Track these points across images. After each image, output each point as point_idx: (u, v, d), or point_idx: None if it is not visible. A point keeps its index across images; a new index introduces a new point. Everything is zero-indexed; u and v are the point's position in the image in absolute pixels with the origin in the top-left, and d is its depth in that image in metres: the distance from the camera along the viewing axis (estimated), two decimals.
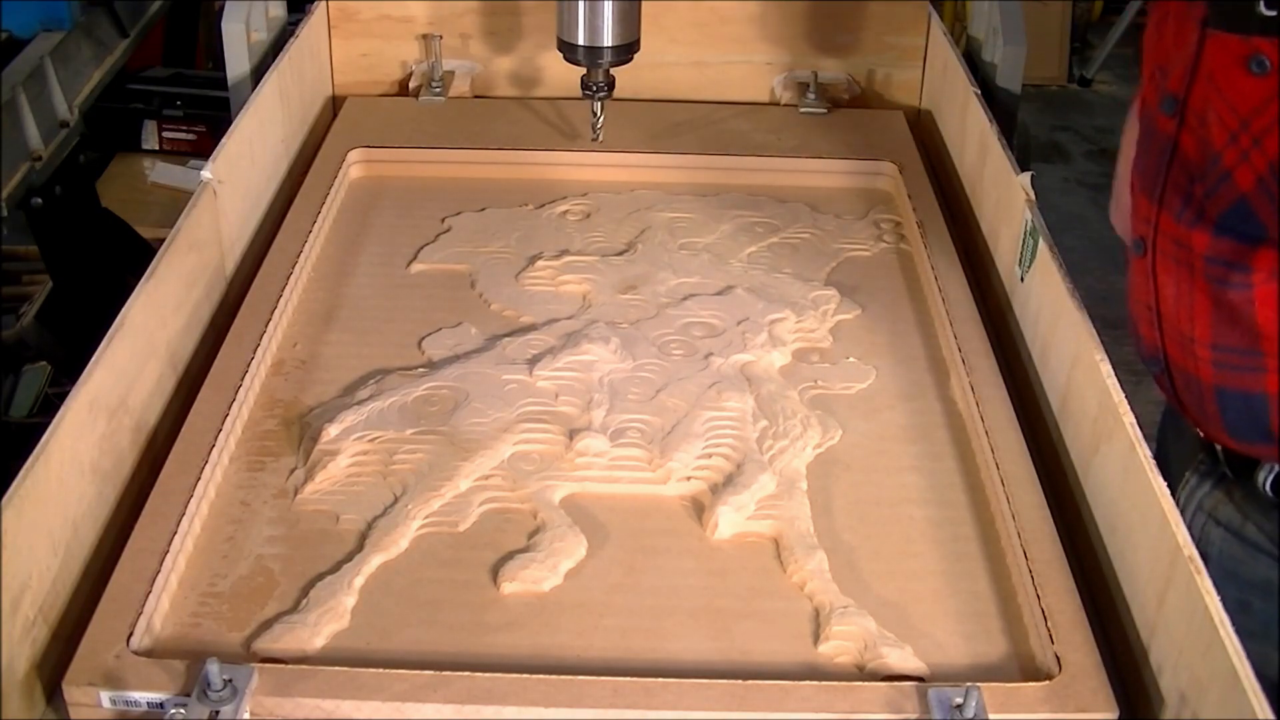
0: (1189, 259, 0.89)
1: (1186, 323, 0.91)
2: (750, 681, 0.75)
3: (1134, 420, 0.83)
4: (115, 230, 1.73)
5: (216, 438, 0.93)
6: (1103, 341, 0.91)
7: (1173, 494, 0.98)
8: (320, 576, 0.84)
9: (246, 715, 0.72)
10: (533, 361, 1.04)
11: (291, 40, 1.36)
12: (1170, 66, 0.88)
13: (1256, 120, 0.81)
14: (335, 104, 1.49)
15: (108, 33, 1.75)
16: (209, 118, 1.98)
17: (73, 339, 1.61)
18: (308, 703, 0.73)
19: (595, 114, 1.33)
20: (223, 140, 1.14)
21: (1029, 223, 1.07)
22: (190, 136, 2.03)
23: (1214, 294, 0.88)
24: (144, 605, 0.79)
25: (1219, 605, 0.69)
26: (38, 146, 1.48)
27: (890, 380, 1.06)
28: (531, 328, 1.10)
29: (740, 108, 1.49)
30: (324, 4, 1.47)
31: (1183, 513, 0.98)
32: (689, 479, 0.93)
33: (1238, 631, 0.67)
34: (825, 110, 1.47)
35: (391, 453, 0.95)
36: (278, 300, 1.09)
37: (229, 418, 0.95)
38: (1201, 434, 0.98)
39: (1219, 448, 0.97)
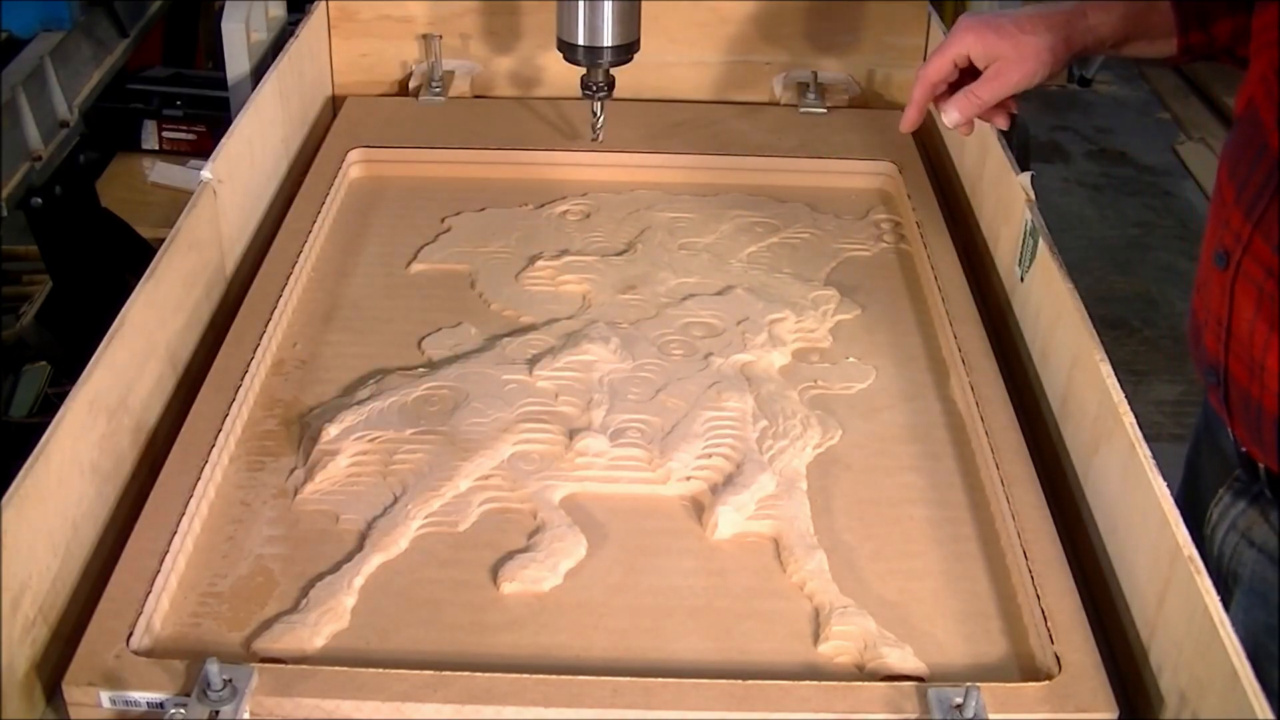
0: (1277, 290, 0.84)
1: (1260, 349, 0.87)
2: (750, 681, 0.75)
3: (1134, 420, 0.83)
4: (115, 230, 1.73)
5: (216, 438, 0.93)
6: (1103, 341, 0.91)
7: (1203, 508, 0.96)
8: (320, 576, 0.84)
9: (246, 715, 0.72)
10: (533, 361, 1.04)
11: (291, 40, 1.36)
12: None
13: None
14: (335, 104, 1.49)
15: (108, 33, 1.74)
16: (209, 118, 1.97)
17: (73, 339, 1.60)
18: (308, 703, 0.73)
19: (595, 114, 1.33)
20: (223, 140, 1.14)
21: (1029, 223, 1.07)
22: (190, 136, 2.02)
23: None
24: (144, 605, 0.79)
25: (1219, 605, 0.69)
26: (38, 146, 1.47)
27: (890, 380, 1.06)
28: (531, 328, 1.10)
29: (740, 108, 1.49)
30: (324, 4, 1.47)
31: (1214, 530, 0.96)
32: (689, 479, 0.93)
33: (1265, 657, 0.66)
34: (825, 110, 1.47)
35: (391, 453, 0.95)
36: (278, 300, 1.09)
37: (229, 418, 0.95)
38: (1243, 449, 0.94)
39: (1262, 467, 0.94)
